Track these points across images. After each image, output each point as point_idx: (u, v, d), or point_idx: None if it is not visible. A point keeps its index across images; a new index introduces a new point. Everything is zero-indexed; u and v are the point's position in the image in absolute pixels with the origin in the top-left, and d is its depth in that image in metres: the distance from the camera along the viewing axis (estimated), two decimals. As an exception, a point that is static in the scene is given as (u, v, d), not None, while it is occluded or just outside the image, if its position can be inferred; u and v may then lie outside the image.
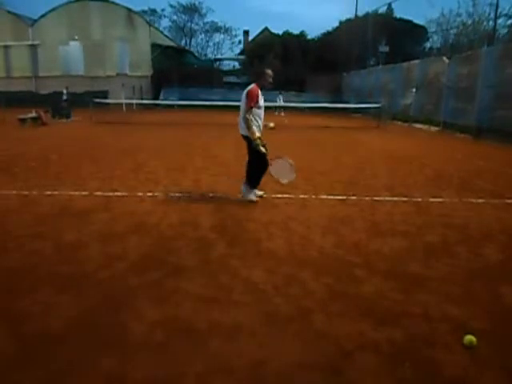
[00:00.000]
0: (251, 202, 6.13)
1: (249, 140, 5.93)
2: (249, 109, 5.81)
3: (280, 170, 6.13)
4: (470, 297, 3.45)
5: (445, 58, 19.55)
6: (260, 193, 6.40)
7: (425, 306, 3.27)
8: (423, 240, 4.76)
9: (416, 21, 38.62)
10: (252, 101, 5.80)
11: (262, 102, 5.96)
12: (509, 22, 28.78)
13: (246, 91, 5.93)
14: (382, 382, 2.43)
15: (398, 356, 2.65)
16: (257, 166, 6.06)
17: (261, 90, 5.95)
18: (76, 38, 34.66)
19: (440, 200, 6.52)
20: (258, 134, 5.84)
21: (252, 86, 5.93)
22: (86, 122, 19.78)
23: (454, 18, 32.63)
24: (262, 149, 5.85)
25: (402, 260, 4.17)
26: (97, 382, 2.40)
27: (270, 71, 5.98)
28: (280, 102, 27.74)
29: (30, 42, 35.00)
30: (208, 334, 2.85)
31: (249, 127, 5.81)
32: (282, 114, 27.77)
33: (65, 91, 25.50)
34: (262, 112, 6.03)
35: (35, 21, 35.34)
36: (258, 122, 5.95)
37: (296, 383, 2.42)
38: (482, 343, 2.75)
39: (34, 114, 18.26)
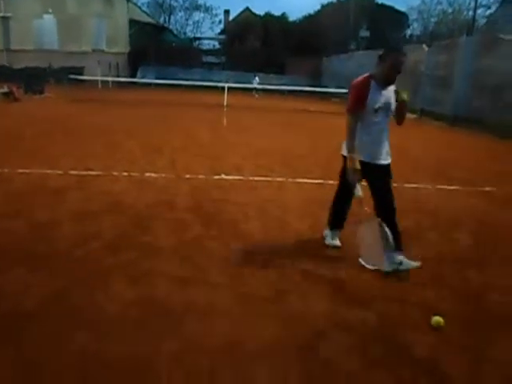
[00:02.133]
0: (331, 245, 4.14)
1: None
2: (348, 114, 3.57)
3: (369, 242, 3.61)
4: (439, 280, 3.55)
5: (424, 46, 19.70)
6: (336, 243, 4.13)
7: (396, 288, 3.35)
8: (399, 224, 4.84)
9: (397, 7, 38.86)
10: (351, 101, 3.55)
11: (379, 104, 3.49)
12: (487, 12, 29.19)
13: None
14: (355, 360, 2.49)
15: (370, 336, 2.72)
16: (337, 196, 4.19)
17: (385, 84, 3.52)
18: (50, 11, 33.42)
19: (414, 186, 6.63)
20: (355, 157, 3.53)
21: (363, 75, 3.58)
22: (60, 98, 19.26)
23: (435, 6, 32.95)
24: (357, 187, 3.64)
25: (376, 244, 4.24)
26: (71, 358, 2.39)
27: (399, 56, 3.45)
28: (255, 84, 27.70)
29: (1, 14, 33.60)
30: (183, 314, 2.86)
31: (347, 139, 3.58)
32: (257, 96, 27.85)
33: None
34: (379, 120, 3.54)
35: (7, -8, 33.91)
36: (366, 136, 3.55)
37: (271, 363, 2.45)
38: (449, 324, 2.84)
39: (5, 90, 17.66)
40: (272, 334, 2.70)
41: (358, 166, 3.52)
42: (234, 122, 14.10)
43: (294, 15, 51.80)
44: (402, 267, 3.50)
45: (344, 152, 3.69)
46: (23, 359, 2.38)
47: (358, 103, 3.49)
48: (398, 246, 3.53)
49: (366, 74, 3.55)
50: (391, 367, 2.46)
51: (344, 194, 3.99)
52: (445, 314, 2.89)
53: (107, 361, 2.39)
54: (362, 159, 3.55)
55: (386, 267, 3.48)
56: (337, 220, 4.16)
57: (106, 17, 34.00)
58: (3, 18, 33.61)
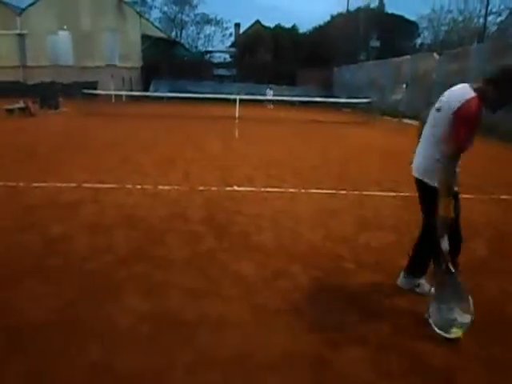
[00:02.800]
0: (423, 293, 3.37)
1: (431, 194, 2.96)
2: (455, 150, 2.81)
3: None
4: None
5: (435, 55, 19.66)
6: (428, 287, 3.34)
7: (411, 298, 3.31)
8: (411, 234, 4.78)
9: (407, 16, 38.84)
10: (464, 136, 2.78)
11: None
12: (498, 19, 29.03)
13: (456, 106, 2.78)
14: (369, 372, 2.46)
15: (383, 347, 2.69)
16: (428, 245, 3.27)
17: (492, 110, 2.94)
18: (65, 27, 34.15)
19: (428, 195, 6.56)
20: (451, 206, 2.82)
21: (470, 96, 2.78)
22: (75, 113, 19.57)
23: (445, 14, 32.88)
24: (445, 240, 2.87)
25: (391, 254, 4.20)
26: (83, 372, 2.39)
27: None
28: (269, 96, 27.91)
29: (17, 31, 34.40)
30: (196, 326, 2.86)
31: (446, 178, 2.83)
32: (271, 106, 28.05)
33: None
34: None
35: (23, 9, 34.71)
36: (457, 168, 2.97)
37: (283, 374, 2.43)
38: (465, 334, 2.79)
39: (21, 105, 17.99)
40: (284, 345, 2.68)
41: (453, 214, 2.82)
42: (245, 133, 14.16)
43: (304, 27, 52.13)
44: (417, 289, 3.37)
45: (419, 175, 3.15)
46: (33, 371, 2.40)
47: (471, 137, 2.77)
48: (424, 271, 3.39)
49: (473, 96, 2.75)
50: (405, 379, 2.42)
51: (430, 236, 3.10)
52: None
53: (119, 374, 2.39)
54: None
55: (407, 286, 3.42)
56: (422, 267, 3.41)
57: (119, 32, 34.61)
58: (19, 35, 34.40)
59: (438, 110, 2.94)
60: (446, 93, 2.98)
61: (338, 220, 5.26)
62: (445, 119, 2.84)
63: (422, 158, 3.13)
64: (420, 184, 3.18)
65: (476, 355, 2.65)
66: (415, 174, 3.21)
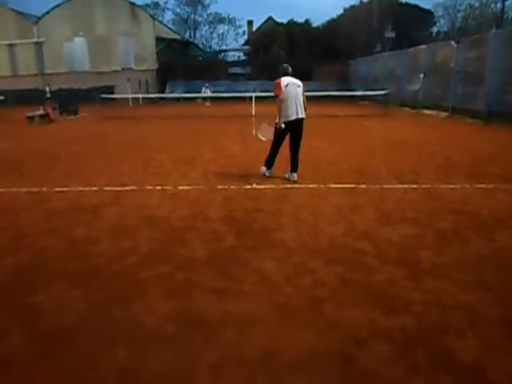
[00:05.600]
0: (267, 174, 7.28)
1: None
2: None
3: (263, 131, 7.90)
4: (482, 283, 3.43)
5: (453, 43, 19.26)
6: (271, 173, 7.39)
7: (437, 292, 3.26)
8: (434, 227, 4.73)
9: (422, 5, 38.13)
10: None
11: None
12: (517, 3, 28.30)
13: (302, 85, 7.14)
14: (395, 369, 2.43)
15: (411, 343, 2.65)
16: (276, 149, 7.42)
17: None
18: (81, 33, 34.66)
19: (450, 186, 6.46)
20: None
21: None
22: (93, 117, 19.85)
23: (461, 0, 32.25)
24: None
25: (413, 247, 4.15)
26: (111, 374, 2.43)
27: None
28: (205, 94, 28.04)
29: (34, 40, 35.05)
30: (220, 325, 2.87)
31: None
32: (208, 104, 27.87)
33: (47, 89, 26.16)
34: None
35: (39, 18, 35.34)
36: None
37: (308, 372, 2.43)
38: (494, 329, 2.74)
39: (41, 112, 18.34)
40: (310, 343, 2.67)
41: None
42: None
43: (317, 21, 51.94)
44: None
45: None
46: (62, 375, 2.44)
47: None
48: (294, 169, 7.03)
49: None
50: (434, 375, 2.39)
51: (279, 146, 7.25)
52: (489, 319, 2.79)
53: (146, 376, 2.42)
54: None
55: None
56: (273, 162, 7.28)
57: (133, 36, 34.93)
58: (37, 43, 35.04)
59: (299, 86, 6.98)
60: (293, 80, 7.06)
61: (358, 214, 5.21)
62: (303, 91, 6.99)
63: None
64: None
65: (506, 350, 2.59)
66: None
